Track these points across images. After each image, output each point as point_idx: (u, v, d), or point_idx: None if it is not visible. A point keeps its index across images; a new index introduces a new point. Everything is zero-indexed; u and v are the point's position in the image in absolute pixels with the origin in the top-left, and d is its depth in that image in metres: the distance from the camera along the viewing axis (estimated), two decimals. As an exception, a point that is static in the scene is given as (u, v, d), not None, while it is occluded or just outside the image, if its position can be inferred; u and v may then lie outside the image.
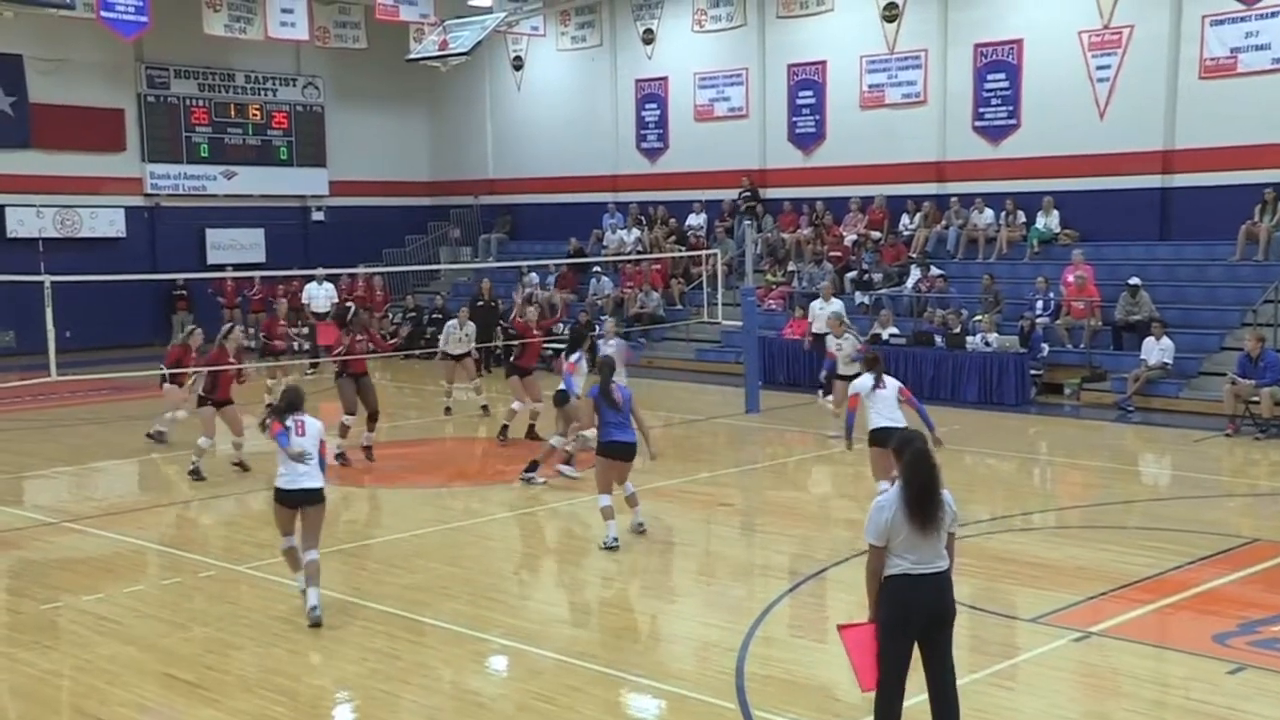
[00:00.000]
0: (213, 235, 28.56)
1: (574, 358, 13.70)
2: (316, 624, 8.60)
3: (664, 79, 27.31)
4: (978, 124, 22.71)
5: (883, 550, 5.99)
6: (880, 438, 10.62)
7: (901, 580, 5.95)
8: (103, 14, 19.26)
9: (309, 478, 8.83)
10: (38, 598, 9.56)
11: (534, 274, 26.27)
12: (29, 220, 25.79)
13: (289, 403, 9.00)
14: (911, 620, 5.96)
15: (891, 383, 11.19)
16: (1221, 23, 19.90)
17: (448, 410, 17.83)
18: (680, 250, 25.20)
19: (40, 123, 25.86)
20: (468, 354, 17.26)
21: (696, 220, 26.19)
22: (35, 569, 10.54)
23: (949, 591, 6.08)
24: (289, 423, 8.84)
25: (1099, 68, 21.03)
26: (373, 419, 14.32)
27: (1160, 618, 8.90)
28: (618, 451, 10.71)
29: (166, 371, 15.07)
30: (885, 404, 11.02)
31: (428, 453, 15.06)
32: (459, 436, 17.08)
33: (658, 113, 27.55)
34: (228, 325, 14.47)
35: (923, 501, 5.93)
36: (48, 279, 13.95)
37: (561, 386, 13.62)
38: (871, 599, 6.08)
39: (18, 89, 25.65)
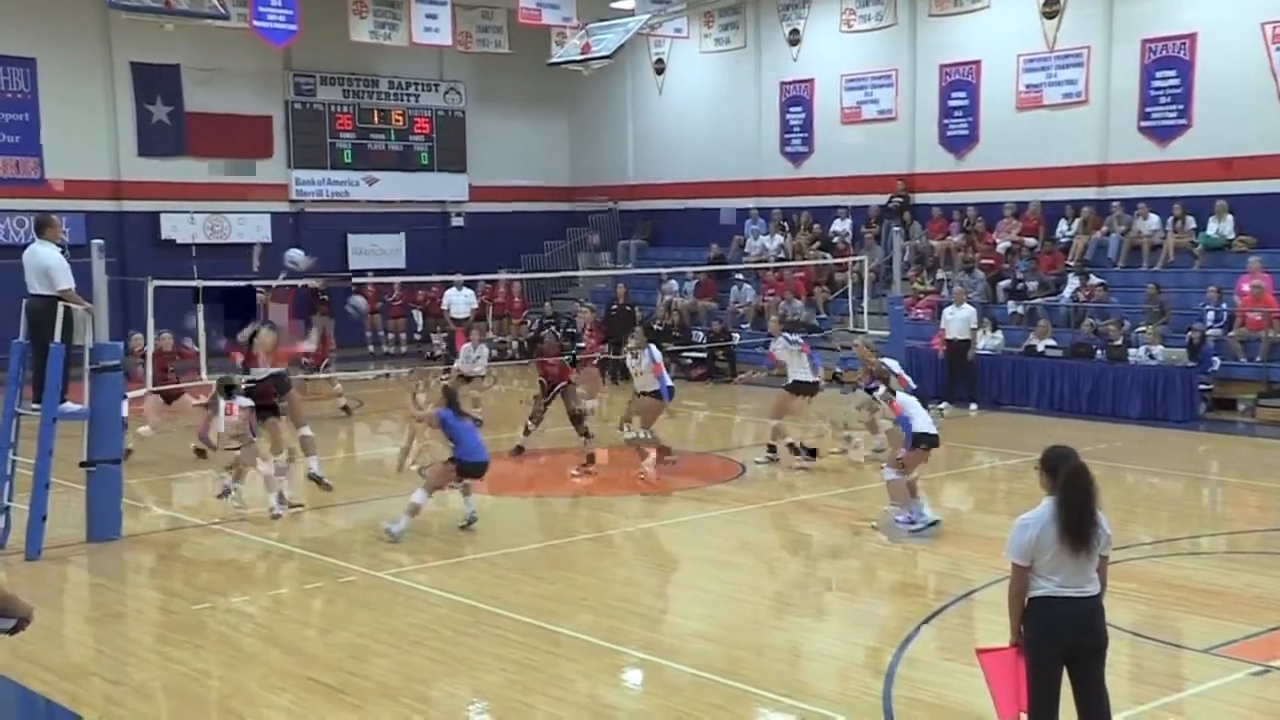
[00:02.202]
0: (354, 240, 29.07)
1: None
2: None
3: (810, 81, 26.84)
4: (1144, 124, 21.68)
5: (1026, 570, 5.69)
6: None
7: (1046, 602, 5.66)
8: (255, 23, 19.75)
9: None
10: (188, 598, 9.75)
11: (673, 281, 26.06)
12: (182, 226, 26.61)
13: (227, 387, 12.00)
14: (1056, 645, 5.65)
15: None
16: None
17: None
18: (825, 257, 24.70)
19: (194, 131, 26.67)
20: (481, 375, 17.40)
21: (842, 226, 25.66)
22: (186, 570, 10.75)
23: (1099, 617, 5.74)
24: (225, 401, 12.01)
25: (1284, 61, 19.86)
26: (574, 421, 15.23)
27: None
28: (480, 470, 11.63)
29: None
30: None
31: (564, 462, 14.95)
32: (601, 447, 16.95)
33: (803, 116, 27.09)
34: (251, 327, 13.30)
35: (1081, 520, 5.61)
36: (201, 283, 14.24)
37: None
38: (1013, 621, 5.78)
39: (175, 99, 26.50)
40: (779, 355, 15.05)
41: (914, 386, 13.29)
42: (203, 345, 13.82)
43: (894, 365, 13.54)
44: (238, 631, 8.93)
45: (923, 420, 11.75)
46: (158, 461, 15.21)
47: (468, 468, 11.51)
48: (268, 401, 12.68)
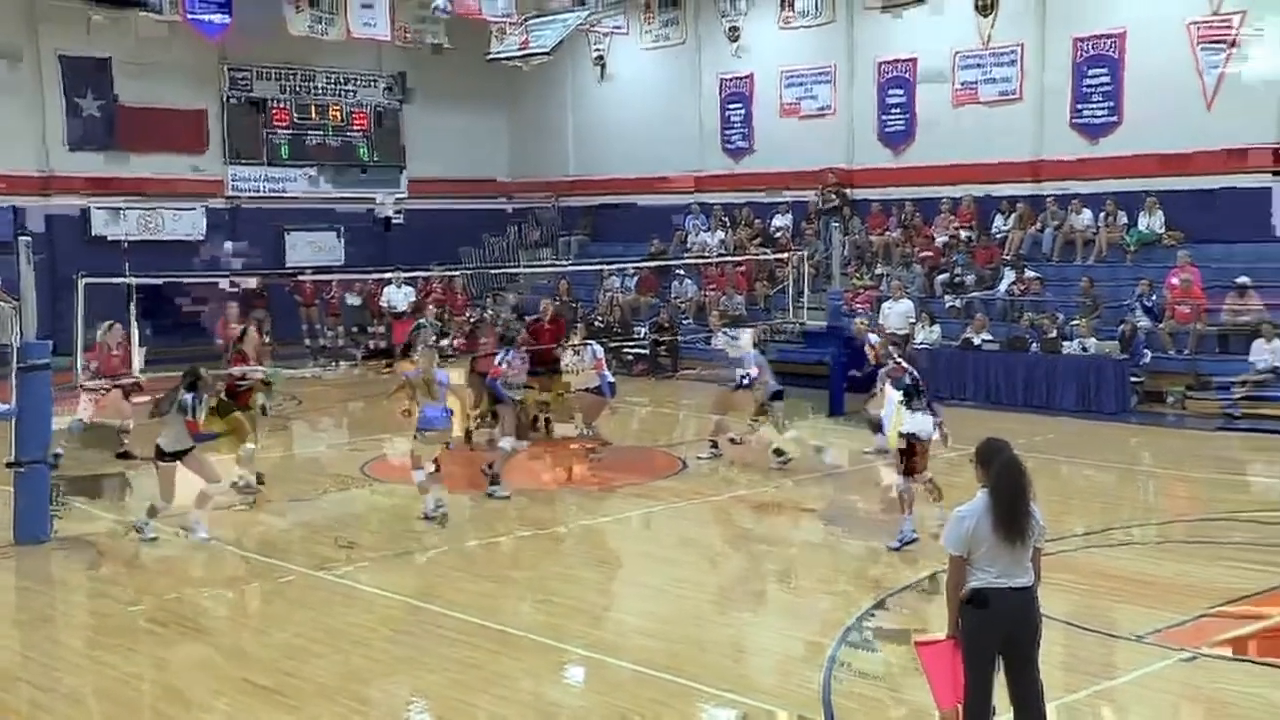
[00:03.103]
0: (291, 237, 28.71)
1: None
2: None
3: (749, 76, 26.92)
4: (1076, 121, 21.97)
5: (964, 561, 5.77)
6: None
7: (983, 594, 5.73)
8: (189, 15, 19.43)
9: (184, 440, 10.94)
10: (120, 600, 9.59)
11: (614, 276, 26.04)
12: (113, 221, 26.15)
13: (192, 381, 10.98)
14: (993, 636, 5.74)
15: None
16: (1341, 8, 18.98)
17: None
18: (765, 252, 24.80)
19: (126, 125, 26.19)
20: None
21: (782, 221, 25.78)
22: (118, 571, 10.57)
23: (1034, 608, 5.84)
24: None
25: (1208, 59, 20.18)
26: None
27: (1275, 637, 8.49)
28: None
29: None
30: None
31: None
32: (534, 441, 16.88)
33: (742, 111, 27.17)
34: (241, 327, 13.97)
35: (1013, 512, 5.71)
36: (132, 279, 14.01)
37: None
38: (951, 613, 5.86)
39: (105, 92, 26.04)
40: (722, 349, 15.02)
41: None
42: (135, 342, 13.63)
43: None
44: (172, 634, 8.77)
45: (908, 421, 11.04)
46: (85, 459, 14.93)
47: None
48: (246, 401, 12.72)
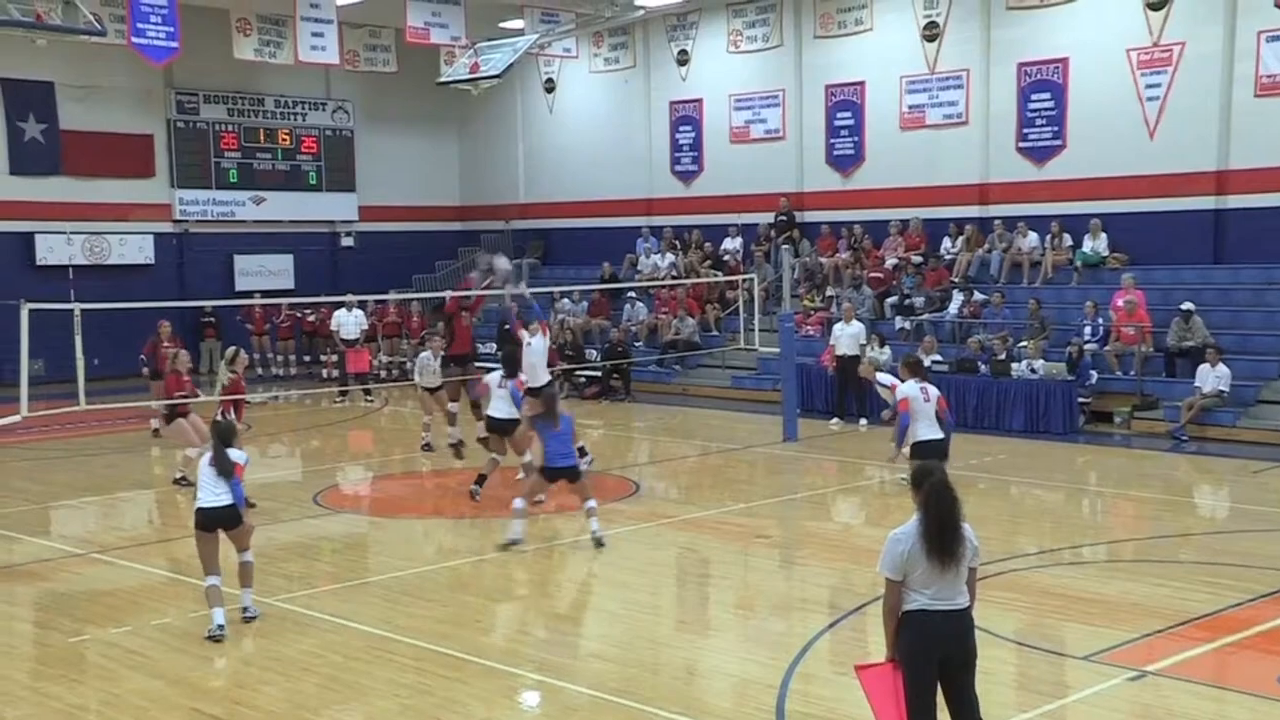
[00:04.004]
0: (241, 261, 28.50)
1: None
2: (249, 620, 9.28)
3: (699, 101, 27.10)
4: (1022, 145, 22.32)
5: (899, 585, 5.81)
6: (923, 451, 11.48)
7: (919, 616, 5.77)
8: (134, 40, 19.18)
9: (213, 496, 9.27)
10: (65, 630, 9.42)
11: (566, 300, 26.04)
12: (59, 247, 25.84)
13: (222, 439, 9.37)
14: (931, 658, 5.76)
15: (933, 391, 12.49)
16: (1277, 39, 19.39)
17: (426, 446, 17.23)
18: (716, 275, 24.89)
19: (71, 149, 25.93)
20: (441, 387, 16.79)
21: (732, 244, 25.91)
22: (62, 601, 10.39)
23: (970, 629, 5.88)
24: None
25: (1149, 86, 20.60)
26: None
27: (1220, 657, 8.59)
28: (562, 475, 11.64)
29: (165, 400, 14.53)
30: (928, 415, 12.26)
31: (454, 482, 14.81)
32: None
33: (692, 135, 27.34)
34: (232, 349, 14.06)
35: (943, 535, 5.74)
36: (77, 307, 13.84)
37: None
38: (889, 636, 5.89)
39: (49, 116, 25.76)
40: (491, 390, 13.73)
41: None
42: (80, 372, 13.46)
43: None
44: (118, 664, 8.61)
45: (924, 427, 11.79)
46: (28, 490, 14.70)
47: (552, 473, 11.61)
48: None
